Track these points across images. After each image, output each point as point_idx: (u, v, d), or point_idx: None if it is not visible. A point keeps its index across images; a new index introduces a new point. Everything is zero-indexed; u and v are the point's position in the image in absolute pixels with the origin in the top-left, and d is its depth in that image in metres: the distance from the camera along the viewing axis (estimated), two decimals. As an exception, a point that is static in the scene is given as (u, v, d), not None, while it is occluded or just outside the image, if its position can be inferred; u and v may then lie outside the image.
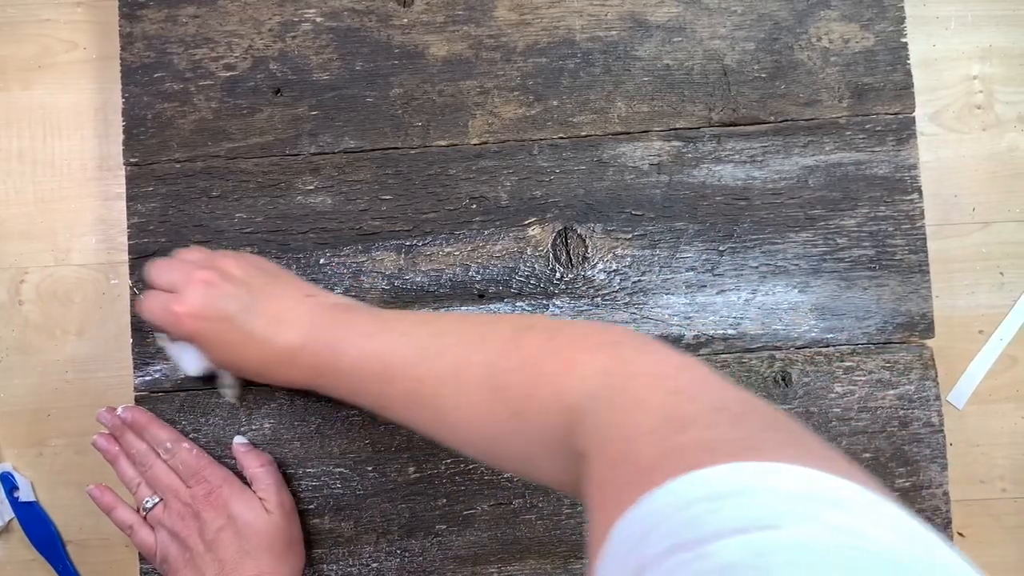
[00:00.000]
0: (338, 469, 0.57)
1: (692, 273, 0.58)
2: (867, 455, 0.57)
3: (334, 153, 0.59)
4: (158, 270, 0.51)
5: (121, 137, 0.58)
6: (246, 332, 0.48)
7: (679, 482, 0.25)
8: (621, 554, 0.25)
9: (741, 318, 0.58)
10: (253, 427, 0.57)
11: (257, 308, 0.49)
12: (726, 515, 0.23)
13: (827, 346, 0.58)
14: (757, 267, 0.58)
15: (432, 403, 0.44)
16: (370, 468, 0.57)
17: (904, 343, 0.58)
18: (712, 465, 0.26)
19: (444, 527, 0.57)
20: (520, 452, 0.41)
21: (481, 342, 0.43)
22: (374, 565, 0.57)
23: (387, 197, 0.58)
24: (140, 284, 0.57)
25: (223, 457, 0.57)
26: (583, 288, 0.58)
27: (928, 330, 0.58)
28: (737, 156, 0.59)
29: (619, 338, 0.40)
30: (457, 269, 0.58)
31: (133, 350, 0.57)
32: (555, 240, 0.58)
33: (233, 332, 0.48)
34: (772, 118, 0.59)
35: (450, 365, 0.43)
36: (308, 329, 0.48)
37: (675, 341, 0.58)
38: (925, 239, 0.58)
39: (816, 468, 0.25)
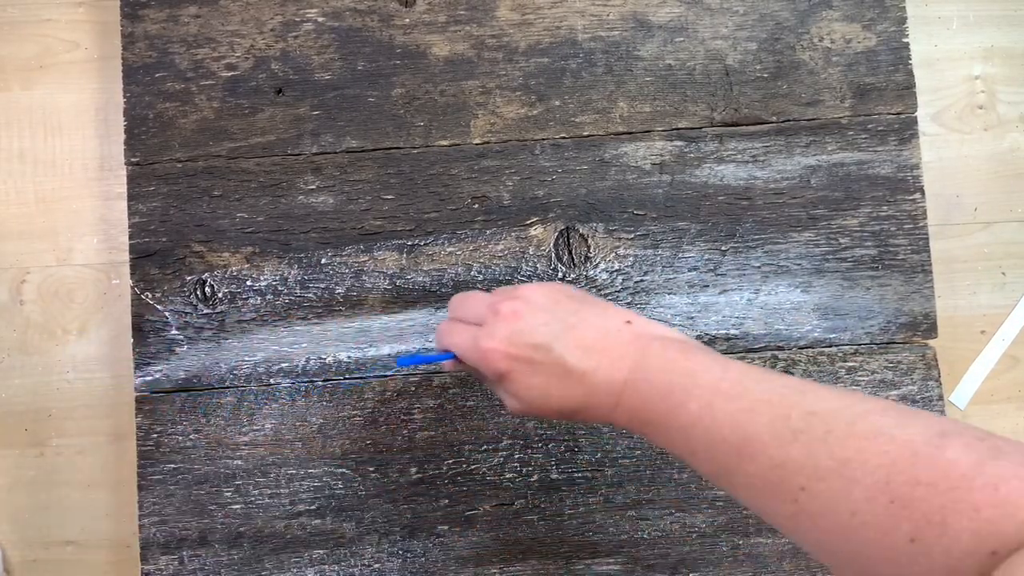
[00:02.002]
0: (340, 470, 0.57)
1: (694, 273, 0.58)
2: (870, 455, 0.57)
3: (336, 153, 0.58)
4: (462, 302, 0.46)
5: (122, 137, 0.58)
6: (562, 365, 0.42)
7: None
8: None
9: (744, 318, 0.58)
10: (255, 427, 0.57)
11: (572, 336, 0.43)
12: None
13: (830, 346, 0.58)
14: (759, 267, 0.58)
15: (801, 498, 0.36)
16: (372, 469, 0.57)
17: (907, 343, 0.58)
18: None
19: (446, 528, 0.57)
20: None
21: (875, 438, 0.35)
22: (376, 566, 0.56)
23: (389, 197, 0.58)
24: (141, 284, 0.57)
25: (224, 457, 0.56)
26: (585, 288, 0.58)
27: (931, 330, 0.58)
28: (739, 156, 0.59)
29: None
30: (459, 269, 0.58)
31: (134, 350, 0.57)
32: (557, 240, 0.58)
33: (546, 367, 0.43)
34: (774, 118, 0.59)
35: (829, 458, 0.35)
36: (635, 365, 0.42)
37: (677, 341, 0.58)
38: (928, 239, 0.58)
39: None
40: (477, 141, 0.59)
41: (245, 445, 0.57)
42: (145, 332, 0.57)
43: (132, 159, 0.58)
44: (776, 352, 0.58)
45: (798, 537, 0.37)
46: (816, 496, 0.35)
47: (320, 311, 0.57)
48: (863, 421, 0.36)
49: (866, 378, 0.58)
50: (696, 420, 0.39)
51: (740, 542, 0.57)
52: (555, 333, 0.43)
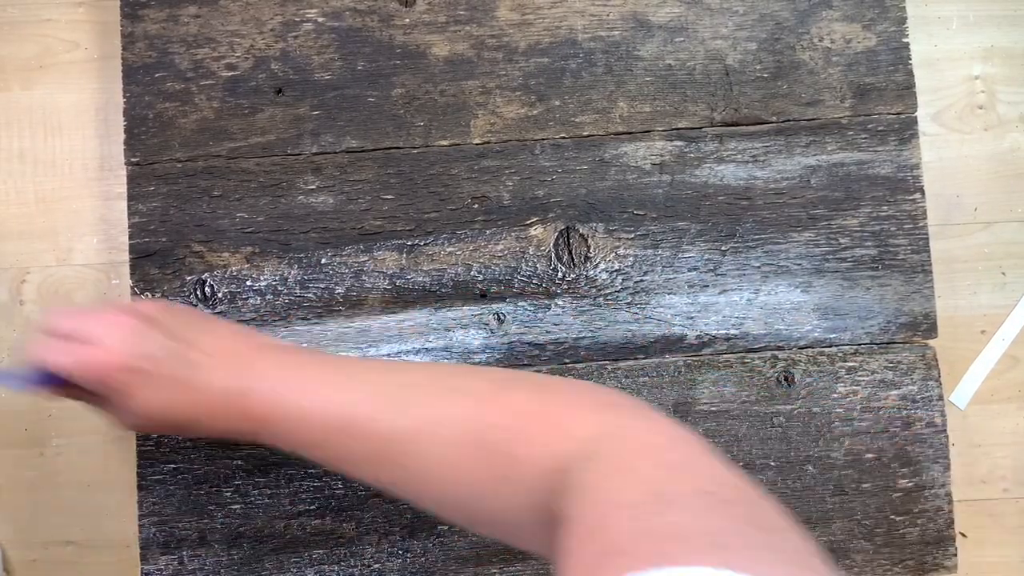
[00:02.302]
0: (340, 469, 0.57)
1: (694, 273, 0.58)
2: (869, 455, 0.57)
3: (336, 153, 0.58)
4: (61, 316, 0.44)
5: (122, 137, 0.58)
6: (181, 376, 0.42)
7: None
8: None
9: (744, 318, 0.58)
10: (254, 427, 0.57)
11: (188, 347, 0.43)
12: None
13: (830, 346, 0.58)
14: (759, 267, 0.58)
15: (403, 462, 0.40)
16: (372, 468, 0.57)
17: (907, 343, 0.58)
18: (673, 566, 0.24)
19: (446, 527, 0.57)
20: (505, 517, 0.38)
21: (459, 395, 0.40)
22: (376, 566, 0.56)
23: (389, 197, 0.58)
24: (141, 284, 0.57)
25: (224, 457, 0.56)
26: (585, 288, 0.58)
27: (931, 330, 0.58)
28: (739, 156, 0.59)
29: (616, 400, 0.38)
30: (459, 269, 0.58)
31: (134, 350, 0.57)
32: (557, 240, 0.58)
33: (165, 378, 0.42)
34: (774, 118, 0.59)
35: (425, 420, 0.40)
36: (255, 371, 0.43)
37: (677, 341, 0.58)
38: (928, 239, 0.58)
39: None
40: (477, 141, 0.59)
41: (245, 445, 0.57)
42: (145, 332, 0.57)
43: (132, 159, 0.58)
44: (776, 352, 0.58)
45: (412, 498, 0.41)
46: (416, 458, 0.39)
47: (320, 311, 0.57)
48: (442, 384, 0.41)
49: (866, 378, 0.58)
50: (308, 413, 0.42)
51: (740, 542, 0.57)
52: (171, 344, 0.43)
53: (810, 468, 0.57)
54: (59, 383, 0.43)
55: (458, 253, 0.58)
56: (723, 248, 0.58)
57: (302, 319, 0.57)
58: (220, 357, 0.44)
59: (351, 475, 0.43)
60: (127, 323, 0.43)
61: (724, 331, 0.58)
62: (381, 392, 0.42)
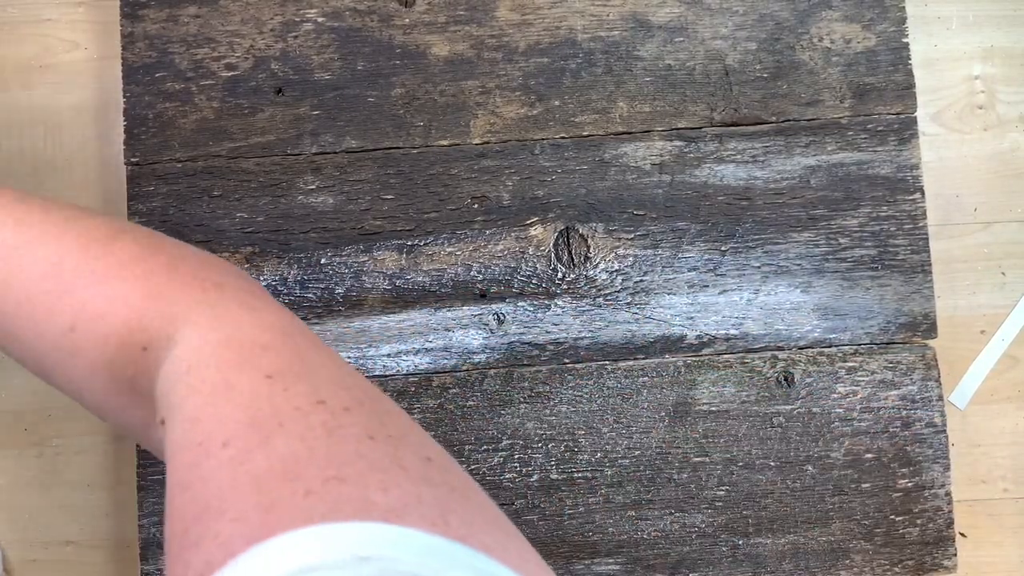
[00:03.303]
0: (339, 469, 0.57)
1: (694, 273, 0.58)
2: (869, 456, 0.57)
3: (335, 153, 0.58)
4: None
5: (122, 137, 0.58)
6: None
7: (248, 558, 0.21)
8: None
9: (743, 318, 0.58)
10: (254, 427, 0.57)
11: None
12: None
13: (830, 346, 0.58)
14: (759, 267, 0.58)
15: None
16: (372, 468, 0.57)
17: (907, 343, 0.58)
18: (284, 532, 0.21)
19: (446, 527, 0.57)
20: (73, 375, 0.34)
21: (62, 236, 0.35)
22: (376, 566, 0.56)
23: (389, 197, 0.58)
24: (141, 284, 0.57)
25: (224, 457, 0.56)
26: (585, 288, 0.58)
27: (931, 330, 0.58)
28: (739, 156, 0.59)
29: (223, 278, 0.34)
30: (459, 269, 0.58)
31: (134, 350, 0.57)
32: (557, 240, 0.58)
33: None
34: (774, 118, 0.59)
35: (18, 263, 0.35)
36: None
37: (677, 341, 0.58)
38: (927, 239, 0.58)
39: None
40: (477, 141, 0.59)
41: (245, 445, 0.57)
42: (145, 332, 0.57)
43: (132, 159, 0.58)
44: (776, 352, 0.58)
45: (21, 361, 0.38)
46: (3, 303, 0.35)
47: (320, 311, 0.58)
48: (55, 225, 0.36)
49: (866, 378, 0.58)
50: None
51: (740, 542, 0.57)
52: None
53: (810, 468, 0.57)
54: None
55: (458, 253, 0.58)
56: (723, 248, 0.58)
57: (302, 319, 0.57)
58: None
59: None
60: None
61: (724, 331, 0.58)
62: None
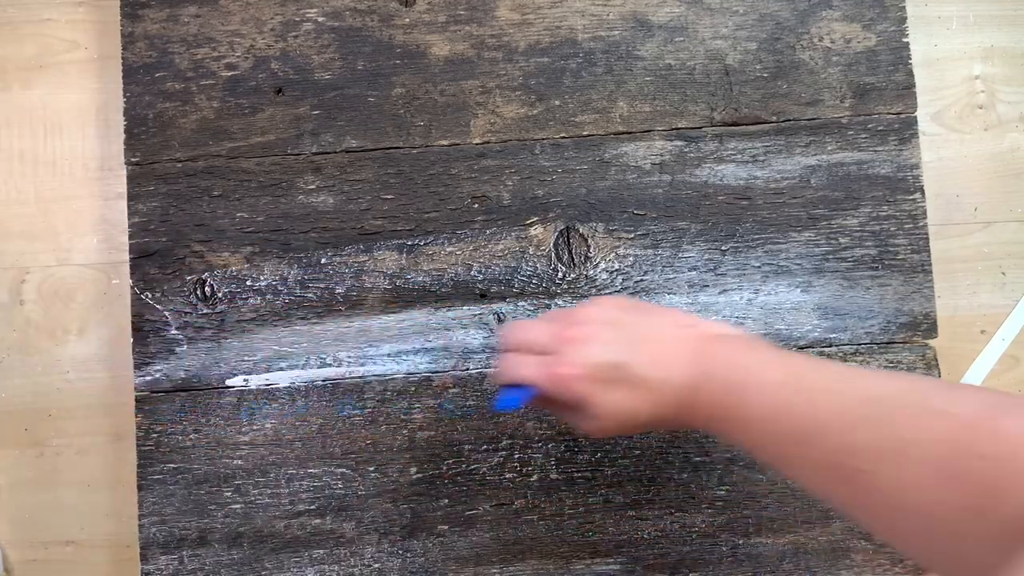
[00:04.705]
0: (340, 469, 0.57)
1: (694, 273, 0.58)
2: (870, 455, 0.57)
3: (336, 153, 0.58)
4: (523, 331, 0.46)
5: (122, 137, 0.58)
6: (638, 378, 0.43)
7: None
8: None
9: (744, 318, 0.58)
10: (255, 427, 0.57)
11: (642, 349, 0.44)
12: None
13: (830, 346, 0.58)
14: (759, 267, 0.58)
15: (862, 480, 0.37)
16: (372, 468, 0.57)
17: (907, 343, 0.58)
18: None
19: (446, 527, 0.57)
20: (968, 556, 0.34)
21: (936, 417, 0.35)
22: (376, 566, 0.56)
23: (389, 196, 0.58)
24: (141, 284, 0.57)
25: (224, 457, 0.56)
26: (585, 288, 0.58)
27: (931, 330, 0.58)
28: (739, 156, 0.59)
29: None
30: (459, 268, 0.58)
31: (134, 350, 0.57)
32: (557, 240, 0.58)
33: (624, 383, 0.43)
34: (774, 118, 0.59)
35: (892, 440, 0.36)
36: (703, 367, 0.43)
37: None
38: (928, 239, 0.58)
39: None
40: (477, 141, 0.59)
41: (245, 445, 0.57)
42: (145, 332, 0.57)
43: (132, 159, 0.58)
44: (776, 352, 0.58)
45: (858, 516, 0.38)
46: (878, 477, 0.36)
47: (320, 311, 0.57)
48: (921, 402, 0.37)
49: (866, 378, 0.58)
50: (762, 415, 0.40)
51: (740, 542, 0.57)
52: (625, 349, 0.43)
53: (810, 468, 0.57)
54: (532, 396, 0.45)
55: (458, 253, 0.58)
56: (723, 248, 0.58)
57: (302, 319, 0.57)
58: (670, 350, 0.44)
59: (804, 484, 0.41)
60: (585, 334, 0.44)
61: (724, 331, 0.58)
62: (844, 405, 0.38)
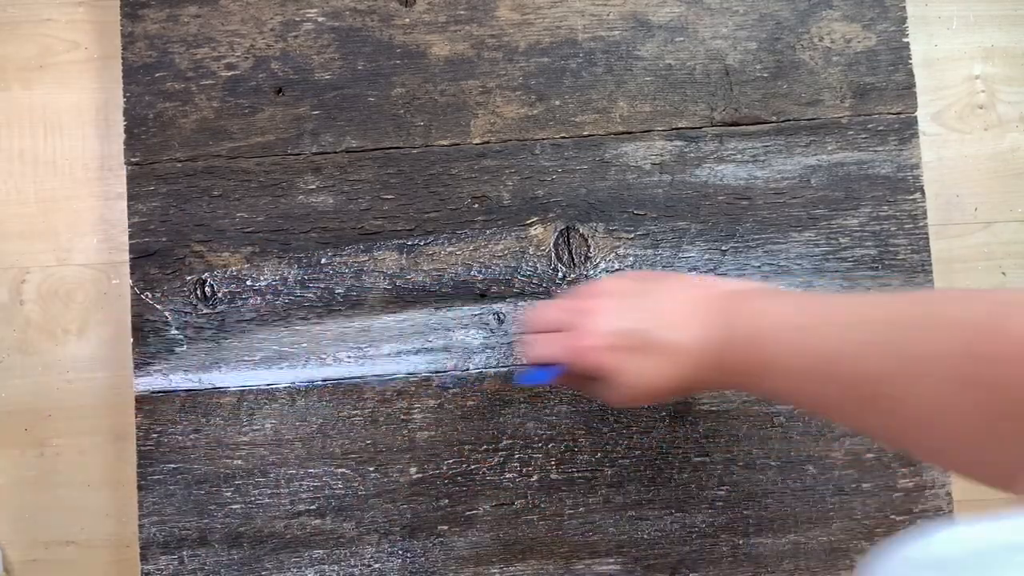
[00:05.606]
0: (340, 469, 0.57)
1: (695, 273, 0.58)
2: (870, 455, 0.57)
3: (336, 153, 0.58)
4: (540, 314, 0.47)
5: (122, 137, 0.58)
6: (661, 344, 0.43)
7: None
8: None
9: (743, 318, 0.58)
10: (255, 427, 0.57)
11: (661, 314, 0.44)
12: None
13: (830, 346, 0.58)
14: (760, 267, 0.58)
15: (885, 406, 0.37)
16: (372, 468, 0.57)
17: (907, 343, 0.58)
18: None
19: (446, 527, 0.57)
20: (999, 460, 0.34)
21: (946, 328, 0.35)
22: (376, 566, 0.56)
23: (389, 196, 0.58)
24: (141, 283, 0.57)
25: (224, 457, 0.56)
26: (585, 288, 0.58)
27: (931, 330, 0.58)
28: (739, 156, 0.59)
29: None
30: (459, 268, 0.58)
31: (134, 350, 0.57)
32: (557, 240, 0.58)
33: (647, 350, 0.43)
34: (774, 118, 0.59)
35: (907, 358, 0.36)
36: (722, 323, 0.43)
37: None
38: (927, 239, 0.58)
39: None
40: (477, 141, 0.59)
41: (245, 445, 0.57)
42: (145, 332, 0.57)
43: (132, 159, 0.58)
44: (776, 352, 0.58)
45: (900, 444, 0.39)
46: (898, 400, 0.36)
47: (320, 311, 0.57)
48: (933, 315, 0.36)
49: (866, 378, 0.58)
50: (786, 361, 0.40)
51: (740, 542, 0.57)
52: (643, 316, 0.44)
53: (810, 468, 0.57)
54: (558, 373, 0.45)
55: (458, 253, 0.58)
56: (723, 248, 0.58)
57: (302, 319, 0.57)
58: (691, 311, 0.44)
59: (832, 418, 0.41)
60: (602, 305, 0.45)
61: (724, 331, 0.58)
62: (861, 334, 0.38)
